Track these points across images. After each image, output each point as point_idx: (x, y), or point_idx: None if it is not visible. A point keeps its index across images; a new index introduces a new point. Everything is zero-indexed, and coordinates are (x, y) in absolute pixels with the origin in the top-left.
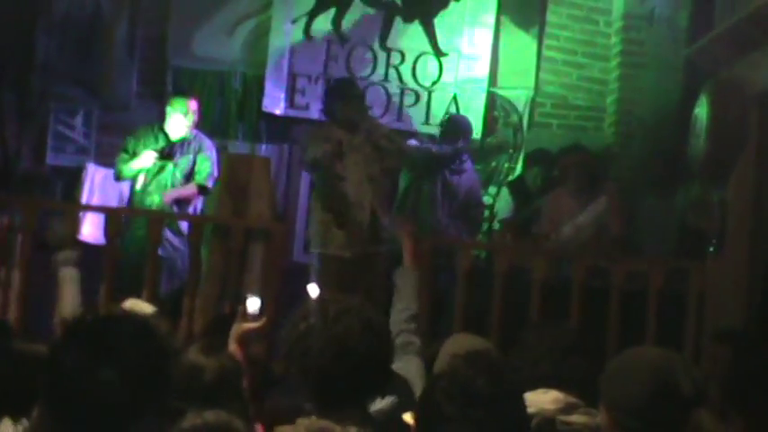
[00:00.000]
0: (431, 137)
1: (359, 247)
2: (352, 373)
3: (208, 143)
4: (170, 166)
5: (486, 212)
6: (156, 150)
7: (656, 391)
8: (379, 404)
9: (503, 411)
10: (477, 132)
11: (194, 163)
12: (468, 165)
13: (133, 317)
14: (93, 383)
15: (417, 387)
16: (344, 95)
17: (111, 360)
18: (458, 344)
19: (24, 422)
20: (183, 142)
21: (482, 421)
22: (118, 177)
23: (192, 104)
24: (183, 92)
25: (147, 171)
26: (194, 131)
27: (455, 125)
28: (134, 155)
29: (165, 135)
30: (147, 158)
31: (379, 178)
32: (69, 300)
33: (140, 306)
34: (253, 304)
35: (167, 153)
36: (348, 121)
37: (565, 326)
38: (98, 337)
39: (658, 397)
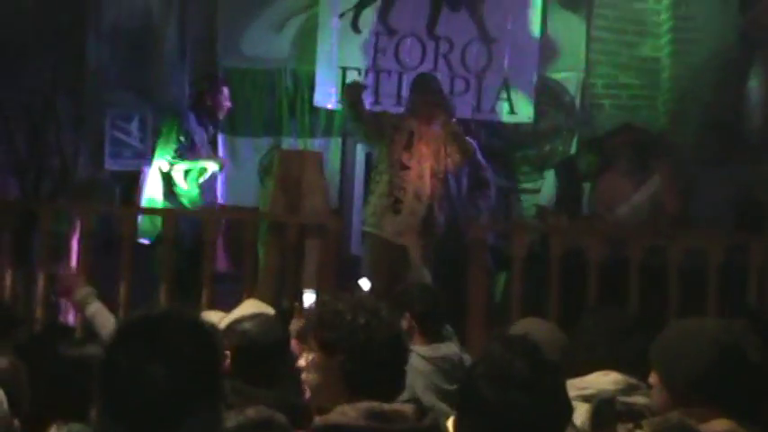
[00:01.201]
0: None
1: (411, 236)
2: (402, 365)
3: None
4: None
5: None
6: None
7: (721, 360)
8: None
9: (543, 394)
10: (529, 117)
11: None
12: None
13: (184, 315)
14: (146, 382)
15: None
16: (421, 89)
17: (163, 358)
18: (523, 328)
19: (68, 426)
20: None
21: (522, 404)
22: (166, 175)
23: (225, 90)
24: (216, 79)
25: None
26: None
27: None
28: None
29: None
30: (213, 165)
31: (442, 174)
32: (109, 327)
33: (263, 307)
34: (309, 300)
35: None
36: (422, 113)
37: (622, 309)
38: (150, 336)
39: (724, 366)
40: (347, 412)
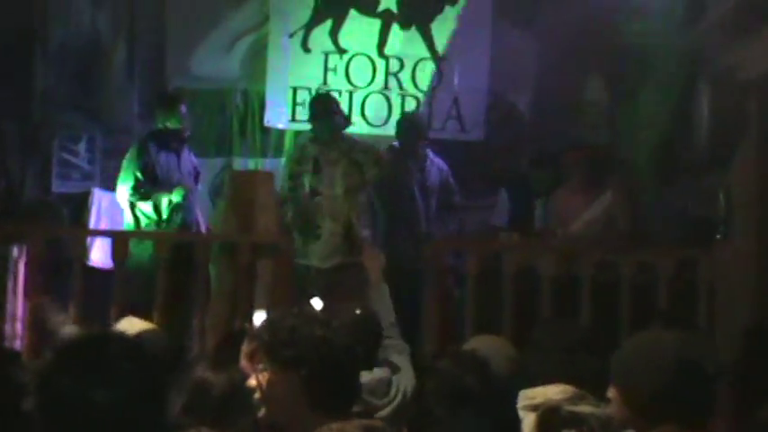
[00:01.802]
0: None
1: (336, 258)
2: (357, 374)
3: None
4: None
5: None
6: (183, 188)
7: (680, 375)
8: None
9: (493, 409)
10: (479, 135)
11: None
12: (432, 159)
13: (124, 336)
14: (88, 405)
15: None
16: (319, 112)
17: (104, 381)
18: (477, 345)
19: None
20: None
21: (472, 420)
22: (131, 205)
23: (182, 108)
24: (169, 100)
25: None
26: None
27: (411, 124)
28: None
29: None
30: (177, 195)
31: (356, 191)
32: None
33: (134, 323)
34: (260, 319)
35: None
36: (323, 137)
37: (573, 322)
38: (90, 359)
39: (683, 380)
40: (348, 430)
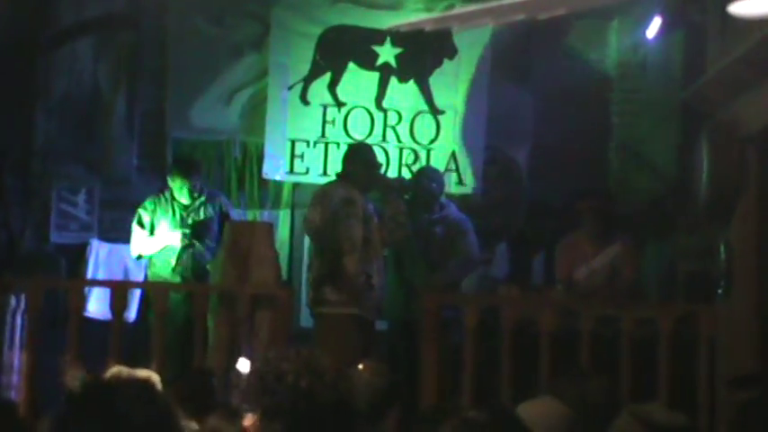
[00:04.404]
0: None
1: (388, 311)
2: (347, 425)
3: (224, 199)
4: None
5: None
6: (183, 231)
7: None
8: None
9: None
10: (475, 188)
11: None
12: (449, 210)
13: (135, 381)
14: None
15: None
16: (371, 162)
17: (119, 426)
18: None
19: None
20: (199, 206)
21: None
22: (138, 257)
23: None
24: (180, 162)
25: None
26: (206, 191)
27: (428, 177)
28: (151, 228)
29: (178, 202)
30: (174, 238)
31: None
32: None
33: (123, 372)
34: (243, 365)
35: (195, 233)
36: (367, 187)
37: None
38: (104, 405)
39: None
40: None
